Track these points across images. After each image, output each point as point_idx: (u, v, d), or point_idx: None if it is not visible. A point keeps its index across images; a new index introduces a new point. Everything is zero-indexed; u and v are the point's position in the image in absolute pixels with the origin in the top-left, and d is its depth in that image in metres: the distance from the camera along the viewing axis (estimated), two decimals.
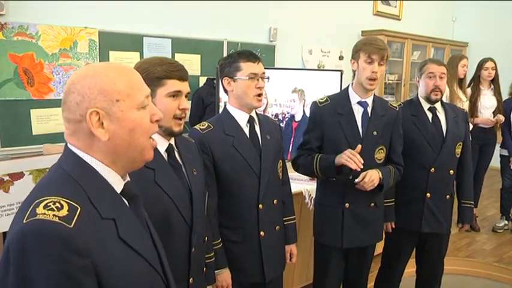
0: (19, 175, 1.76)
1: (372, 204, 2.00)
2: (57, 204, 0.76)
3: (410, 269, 2.53)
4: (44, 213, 0.74)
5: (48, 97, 3.34)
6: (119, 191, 0.89)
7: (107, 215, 0.82)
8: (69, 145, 0.87)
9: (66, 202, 0.77)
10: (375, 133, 1.95)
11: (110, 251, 0.79)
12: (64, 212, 0.76)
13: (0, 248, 1.87)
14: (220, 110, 2.66)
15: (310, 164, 1.96)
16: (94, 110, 0.82)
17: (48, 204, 0.76)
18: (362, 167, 1.79)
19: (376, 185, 1.87)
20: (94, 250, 0.76)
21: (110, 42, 3.62)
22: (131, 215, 0.90)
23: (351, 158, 1.78)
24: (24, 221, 0.74)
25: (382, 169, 1.93)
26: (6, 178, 1.73)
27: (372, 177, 1.84)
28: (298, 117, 3.10)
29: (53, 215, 0.74)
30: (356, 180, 1.86)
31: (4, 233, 1.84)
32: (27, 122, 3.27)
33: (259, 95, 1.68)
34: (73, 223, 0.75)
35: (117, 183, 0.88)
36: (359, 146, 1.82)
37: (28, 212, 0.75)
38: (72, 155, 0.86)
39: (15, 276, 0.72)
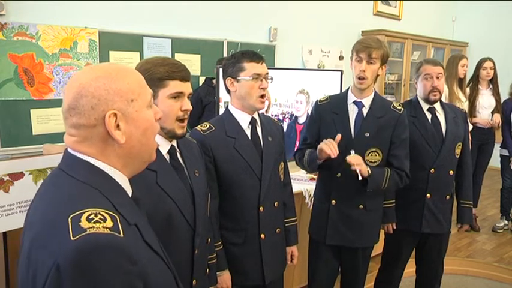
0: (19, 175, 1.76)
1: (361, 206, 1.98)
2: (100, 216, 0.73)
3: (410, 269, 2.53)
4: (93, 227, 0.71)
5: (48, 97, 3.33)
6: (130, 195, 0.88)
7: (132, 220, 0.80)
8: (74, 153, 0.83)
9: (105, 212, 0.74)
10: (366, 134, 1.93)
11: (144, 256, 0.78)
12: (110, 223, 0.73)
13: (0, 248, 1.87)
14: (220, 110, 2.68)
15: (302, 158, 2.02)
16: (113, 112, 0.80)
17: (91, 217, 0.72)
18: (337, 153, 1.76)
19: (359, 172, 1.79)
20: (138, 257, 0.75)
21: (110, 42, 3.62)
22: (144, 218, 0.89)
23: (327, 145, 1.78)
24: (73, 238, 0.69)
25: (373, 168, 1.90)
26: (6, 178, 1.72)
27: (359, 161, 1.81)
28: (302, 120, 3.09)
29: (103, 227, 0.71)
30: (352, 152, 1.83)
31: (4, 233, 1.83)
32: (27, 122, 3.26)
33: (262, 96, 1.68)
34: (121, 232, 0.73)
35: (127, 187, 0.87)
36: (338, 136, 1.80)
37: (71, 228, 0.70)
38: (82, 163, 0.82)
39: None
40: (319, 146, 1.82)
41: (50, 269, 0.69)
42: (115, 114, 0.80)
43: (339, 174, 1.94)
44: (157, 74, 1.26)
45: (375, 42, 1.88)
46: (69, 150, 0.84)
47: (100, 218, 0.73)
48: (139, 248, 0.78)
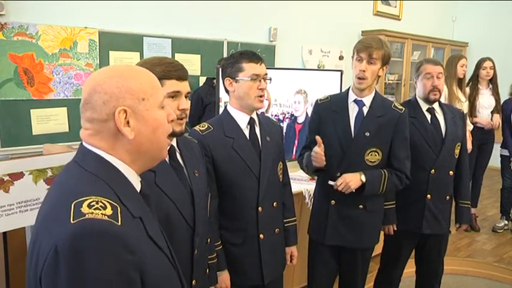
0: (19, 175, 1.76)
1: (360, 206, 1.97)
2: (101, 204, 0.77)
3: (410, 269, 2.53)
4: (92, 213, 0.74)
5: (48, 97, 3.33)
6: (138, 190, 0.91)
7: (136, 214, 0.83)
8: (88, 146, 0.87)
9: (106, 201, 0.78)
10: (367, 134, 1.91)
11: (145, 249, 0.81)
12: (109, 211, 0.76)
13: (0, 247, 1.87)
14: (220, 110, 2.67)
15: (301, 162, 2.04)
16: (122, 108, 0.84)
17: (92, 204, 0.76)
18: (324, 163, 1.84)
19: (352, 188, 1.85)
20: (137, 247, 0.77)
21: (110, 42, 3.62)
22: (150, 214, 0.92)
23: (314, 157, 1.84)
24: (73, 222, 0.73)
25: (368, 172, 1.89)
26: (6, 178, 1.73)
27: (346, 181, 1.85)
28: (301, 120, 3.10)
29: (101, 213, 0.75)
30: (330, 182, 1.89)
31: (4, 233, 1.84)
32: (27, 122, 3.26)
33: (261, 96, 1.67)
34: (120, 221, 0.76)
35: (136, 182, 0.91)
36: (318, 138, 1.83)
37: (72, 213, 0.74)
38: (93, 156, 0.86)
39: (69, 277, 0.71)
40: (311, 154, 1.87)
41: (49, 250, 0.73)
42: (125, 111, 0.84)
43: (338, 174, 1.93)
44: (154, 73, 1.26)
45: (376, 42, 1.86)
46: (83, 143, 0.89)
47: (101, 206, 0.76)
48: (140, 240, 0.80)
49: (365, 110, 1.95)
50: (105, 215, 0.75)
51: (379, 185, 1.91)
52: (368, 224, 2.01)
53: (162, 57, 1.34)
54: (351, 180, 1.85)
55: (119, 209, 0.78)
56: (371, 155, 1.93)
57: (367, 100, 1.95)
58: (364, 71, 1.86)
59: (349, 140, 1.92)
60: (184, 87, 1.32)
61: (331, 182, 1.90)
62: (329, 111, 1.99)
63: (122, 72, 0.87)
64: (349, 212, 1.97)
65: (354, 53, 1.92)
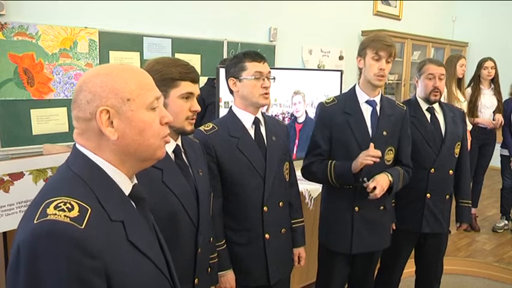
0: (19, 175, 1.76)
1: (382, 207, 1.96)
2: (68, 205, 0.75)
3: (410, 269, 2.53)
4: (55, 214, 0.73)
5: (48, 97, 3.33)
6: (127, 193, 0.88)
7: (116, 217, 0.81)
8: (77, 146, 0.86)
9: (76, 203, 0.76)
10: (384, 133, 1.91)
11: (119, 253, 0.79)
12: (75, 213, 0.75)
13: (0, 248, 1.87)
14: (221, 110, 2.68)
15: (324, 172, 1.90)
16: (104, 108, 0.82)
17: (59, 205, 0.75)
18: (379, 159, 1.76)
19: (385, 189, 1.83)
20: (104, 252, 0.75)
21: (110, 42, 3.62)
22: (139, 218, 0.89)
23: (366, 157, 1.75)
24: (35, 222, 0.73)
25: (391, 171, 1.89)
26: (6, 178, 1.72)
27: (380, 184, 1.80)
28: (301, 119, 3.10)
29: (64, 215, 0.74)
30: (367, 186, 1.80)
31: (4, 233, 1.84)
32: (27, 122, 3.26)
33: (266, 93, 1.67)
34: (84, 224, 0.74)
35: (126, 185, 0.88)
36: (372, 145, 1.77)
37: (38, 213, 0.74)
38: (80, 156, 0.85)
39: (26, 277, 0.71)
40: (354, 165, 1.78)
41: (14, 249, 0.74)
42: (108, 111, 0.82)
43: (365, 179, 1.86)
44: (170, 74, 1.28)
45: (391, 41, 1.86)
46: (75, 144, 0.88)
47: (67, 207, 0.75)
48: (113, 244, 0.78)
49: (377, 109, 1.94)
50: (67, 216, 0.73)
51: (399, 182, 1.91)
52: (385, 223, 2.02)
53: (175, 59, 1.36)
54: (384, 182, 1.82)
55: (88, 211, 0.76)
56: (388, 154, 1.93)
57: (377, 99, 1.95)
58: (384, 69, 1.84)
59: (368, 141, 1.87)
60: (196, 89, 1.35)
61: (365, 183, 1.81)
62: (341, 113, 1.92)
63: (110, 71, 0.85)
64: (373, 215, 1.94)
65: (365, 51, 1.87)
